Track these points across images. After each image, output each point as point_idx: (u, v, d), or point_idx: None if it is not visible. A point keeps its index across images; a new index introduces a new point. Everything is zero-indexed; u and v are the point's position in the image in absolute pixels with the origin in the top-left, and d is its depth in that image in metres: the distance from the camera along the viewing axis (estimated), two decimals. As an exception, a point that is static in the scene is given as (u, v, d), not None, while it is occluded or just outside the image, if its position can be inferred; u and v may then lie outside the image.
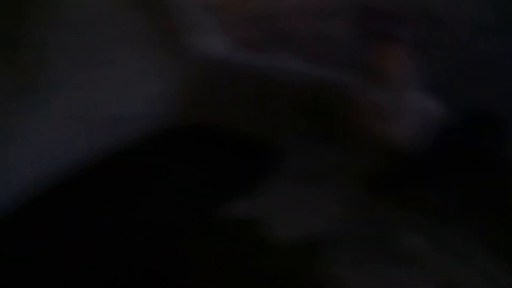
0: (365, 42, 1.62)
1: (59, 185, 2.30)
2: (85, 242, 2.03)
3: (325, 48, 2.41)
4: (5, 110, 2.49)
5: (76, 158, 2.53)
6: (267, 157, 2.54)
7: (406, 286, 1.50)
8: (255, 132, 2.61)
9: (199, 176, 2.57)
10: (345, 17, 2.26)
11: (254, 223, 2.07)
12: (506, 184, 1.58)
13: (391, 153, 1.63)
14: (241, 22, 3.05)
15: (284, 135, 2.45)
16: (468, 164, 1.63)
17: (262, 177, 2.48)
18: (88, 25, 2.66)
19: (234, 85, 2.73)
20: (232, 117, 2.71)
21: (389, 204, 1.80)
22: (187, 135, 2.78)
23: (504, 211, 1.65)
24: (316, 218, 1.95)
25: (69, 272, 1.78)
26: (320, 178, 2.12)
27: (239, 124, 2.68)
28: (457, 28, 2.71)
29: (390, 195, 1.73)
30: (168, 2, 2.86)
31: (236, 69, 2.74)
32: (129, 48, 2.82)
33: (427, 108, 1.81)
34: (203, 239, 2.11)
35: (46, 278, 1.75)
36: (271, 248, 1.85)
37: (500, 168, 1.55)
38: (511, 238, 1.60)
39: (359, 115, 1.65)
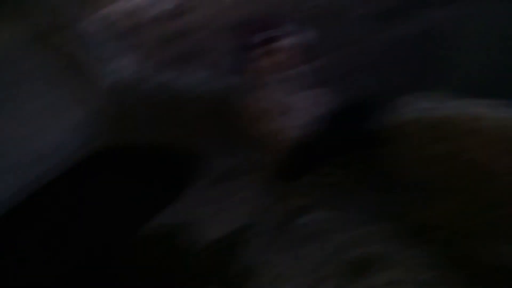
0: (246, 51, 1.84)
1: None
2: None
3: (222, 59, 2.63)
4: None
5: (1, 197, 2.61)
6: (186, 166, 2.74)
7: (313, 258, 1.74)
8: (172, 144, 2.81)
9: (127, 192, 2.73)
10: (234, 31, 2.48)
11: (180, 229, 2.25)
12: (378, 154, 1.85)
13: (286, 145, 1.83)
14: (151, 42, 3.24)
15: (197, 143, 2.65)
16: (353, 143, 1.88)
17: (184, 185, 2.68)
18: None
19: (147, 103, 2.91)
20: (149, 133, 2.88)
21: (293, 189, 2.04)
22: (111, 157, 2.92)
23: (385, 178, 1.92)
24: (235, 214, 2.15)
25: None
26: (233, 177, 2.33)
27: (157, 139, 2.86)
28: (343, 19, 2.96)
29: (294, 181, 1.93)
30: (73, 36, 3.00)
31: (147, 88, 2.92)
32: (41, 83, 2.93)
33: (316, 100, 2.05)
34: (134, 250, 2.27)
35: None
36: (198, 249, 2.04)
37: (373, 143, 1.80)
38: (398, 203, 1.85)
39: (251, 117, 1.85)
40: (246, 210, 2.19)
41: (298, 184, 2.06)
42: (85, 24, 4.67)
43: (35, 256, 2.46)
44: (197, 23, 2.77)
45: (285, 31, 2.05)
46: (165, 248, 2.23)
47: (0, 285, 2.03)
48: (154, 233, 2.24)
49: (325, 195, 1.96)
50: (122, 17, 2.90)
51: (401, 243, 1.71)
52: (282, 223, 2.03)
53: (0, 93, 2.93)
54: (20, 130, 2.98)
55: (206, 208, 2.36)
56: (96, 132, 3.05)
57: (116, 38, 3.29)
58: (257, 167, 2.26)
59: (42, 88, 3.00)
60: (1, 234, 2.41)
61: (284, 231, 2.01)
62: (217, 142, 2.36)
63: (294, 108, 2.06)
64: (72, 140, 2.97)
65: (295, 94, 2.12)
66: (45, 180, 2.91)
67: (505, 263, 1.31)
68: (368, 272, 1.61)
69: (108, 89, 3.14)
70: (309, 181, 2.06)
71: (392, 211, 1.85)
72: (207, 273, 2.02)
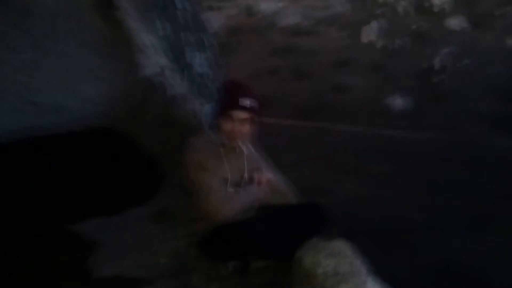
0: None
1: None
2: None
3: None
4: None
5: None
6: (158, 181, 2.82)
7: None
8: (155, 155, 2.89)
9: (106, 175, 2.88)
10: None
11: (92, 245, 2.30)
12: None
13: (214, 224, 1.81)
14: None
15: (168, 166, 2.71)
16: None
17: (151, 194, 2.75)
18: (47, 14, 3.00)
19: (161, 112, 3.02)
20: (145, 135, 3.00)
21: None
22: (103, 136, 3.09)
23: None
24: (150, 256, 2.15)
25: None
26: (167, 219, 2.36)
27: (147, 142, 2.97)
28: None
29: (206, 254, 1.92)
30: (128, 23, 3.18)
31: (170, 99, 3.02)
32: (84, 46, 3.17)
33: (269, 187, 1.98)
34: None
35: None
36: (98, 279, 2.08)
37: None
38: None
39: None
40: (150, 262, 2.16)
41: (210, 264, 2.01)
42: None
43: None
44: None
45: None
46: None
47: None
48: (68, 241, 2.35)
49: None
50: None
51: None
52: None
53: (50, 43, 3.17)
54: (51, 78, 3.23)
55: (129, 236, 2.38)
56: (107, 110, 3.23)
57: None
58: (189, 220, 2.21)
59: (83, 51, 3.22)
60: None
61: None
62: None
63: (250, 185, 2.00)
64: (82, 107, 3.19)
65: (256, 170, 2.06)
66: (47, 132, 3.13)
67: None
68: None
69: (144, 80, 3.28)
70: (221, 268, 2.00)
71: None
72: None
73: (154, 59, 3.43)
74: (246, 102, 1.86)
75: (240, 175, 1.94)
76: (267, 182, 1.97)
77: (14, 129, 3.00)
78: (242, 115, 1.86)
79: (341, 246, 1.47)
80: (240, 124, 1.87)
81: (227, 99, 1.88)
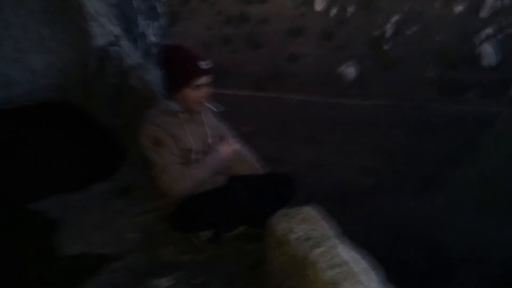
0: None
1: None
2: None
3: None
4: None
5: None
6: (118, 155, 2.74)
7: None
8: (114, 129, 2.81)
9: (59, 150, 2.76)
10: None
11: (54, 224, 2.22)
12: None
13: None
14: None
15: (128, 139, 2.65)
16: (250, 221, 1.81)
17: (110, 169, 2.67)
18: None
19: (117, 83, 2.92)
20: (103, 109, 2.90)
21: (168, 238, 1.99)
22: (58, 110, 2.96)
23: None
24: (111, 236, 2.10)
25: None
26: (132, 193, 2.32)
27: (105, 117, 2.88)
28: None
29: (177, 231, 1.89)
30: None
31: (127, 70, 2.91)
32: (32, 15, 2.98)
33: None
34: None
35: None
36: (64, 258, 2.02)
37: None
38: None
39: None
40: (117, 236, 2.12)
41: (177, 235, 2.01)
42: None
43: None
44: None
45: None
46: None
47: None
48: (31, 220, 2.27)
49: (186, 266, 1.92)
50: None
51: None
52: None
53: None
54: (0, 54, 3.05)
55: (91, 216, 2.32)
56: (63, 83, 3.09)
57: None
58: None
59: (35, 20, 3.04)
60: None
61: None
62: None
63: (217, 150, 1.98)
64: (33, 80, 3.04)
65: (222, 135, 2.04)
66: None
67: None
68: None
69: (98, 50, 3.14)
70: (188, 240, 2.00)
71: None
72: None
73: (107, 27, 3.29)
74: (206, 65, 1.81)
75: (203, 141, 1.92)
76: (233, 150, 1.95)
77: (-41, 105, 2.82)
78: (206, 79, 1.82)
79: (312, 212, 1.51)
80: (206, 89, 1.84)
81: (184, 66, 1.80)
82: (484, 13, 26.43)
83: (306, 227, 1.44)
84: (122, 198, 2.34)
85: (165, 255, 1.99)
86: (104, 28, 3.18)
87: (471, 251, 14.36)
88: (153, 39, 5.90)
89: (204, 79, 1.80)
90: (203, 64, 1.80)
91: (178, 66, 1.81)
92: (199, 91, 1.81)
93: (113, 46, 3.11)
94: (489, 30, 25.66)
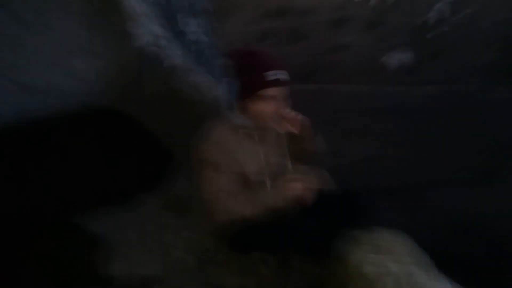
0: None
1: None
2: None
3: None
4: None
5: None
6: (164, 162, 2.58)
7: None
8: (161, 136, 2.64)
9: (105, 159, 2.64)
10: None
11: (100, 243, 2.09)
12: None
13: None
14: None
15: (180, 151, 2.47)
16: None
17: (157, 179, 2.52)
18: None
19: (161, 88, 2.74)
20: (144, 112, 2.73)
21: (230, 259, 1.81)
22: (99, 116, 2.82)
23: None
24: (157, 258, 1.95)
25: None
26: (178, 206, 2.14)
27: (148, 121, 2.71)
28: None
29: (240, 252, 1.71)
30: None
31: (171, 75, 2.72)
32: (69, 18, 2.85)
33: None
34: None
35: None
36: (104, 279, 1.89)
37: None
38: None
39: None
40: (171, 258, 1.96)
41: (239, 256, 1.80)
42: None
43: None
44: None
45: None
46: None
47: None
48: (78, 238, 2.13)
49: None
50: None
51: None
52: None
53: (32, 16, 2.88)
54: (37, 54, 2.95)
55: (134, 235, 2.16)
56: (103, 88, 2.95)
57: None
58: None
59: (73, 23, 2.91)
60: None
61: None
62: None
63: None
64: (79, 84, 2.91)
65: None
66: (36, 115, 2.89)
67: None
68: None
69: (138, 52, 2.99)
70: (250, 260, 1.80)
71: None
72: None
73: (147, 27, 3.12)
74: (284, 74, 1.55)
75: (282, 164, 1.66)
76: (305, 189, 1.63)
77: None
78: (279, 91, 1.56)
79: (391, 238, 1.25)
80: (283, 101, 1.58)
81: (253, 73, 1.54)
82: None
83: (384, 258, 1.18)
84: (168, 211, 2.16)
85: (215, 277, 1.79)
86: (144, 28, 3.01)
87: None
88: (193, 36, 5.75)
89: (275, 91, 1.54)
90: (277, 74, 1.53)
91: (247, 72, 1.56)
92: (270, 103, 1.54)
93: (154, 46, 2.94)
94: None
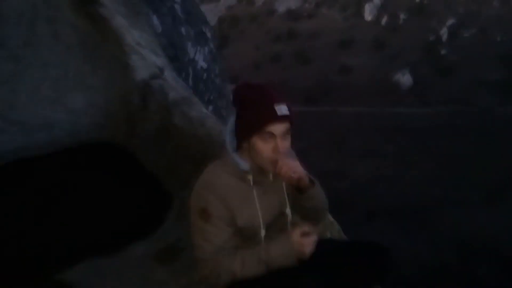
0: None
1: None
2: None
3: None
4: None
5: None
6: (162, 209, 2.42)
7: None
8: (159, 174, 2.51)
9: (107, 194, 2.51)
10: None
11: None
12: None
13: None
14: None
15: (174, 185, 2.32)
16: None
17: (157, 219, 2.38)
18: (24, 20, 2.62)
19: (158, 117, 2.62)
20: (146, 147, 2.61)
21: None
22: (99, 152, 2.71)
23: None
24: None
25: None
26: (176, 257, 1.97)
27: (148, 157, 2.59)
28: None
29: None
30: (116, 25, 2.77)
31: (172, 108, 2.60)
32: (69, 52, 2.77)
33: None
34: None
35: None
36: None
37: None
38: None
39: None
40: None
41: None
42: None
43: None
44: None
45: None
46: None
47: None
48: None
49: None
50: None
51: None
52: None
53: (31, 52, 2.82)
54: (37, 91, 2.88)
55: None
56: (106, 122, 2.85)
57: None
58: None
59: (73, 57, 2.84)
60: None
61: None
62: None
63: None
64: (79, 120, 2.82)
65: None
66: (36, 152, 2.79)
67: None
68: None
69: (141, 85, 2.90)
70: None
71: None
72: None
73: (150, 59, 3.04)
74: (284, 109, 1.41)
75: (279, 211, 1.50)
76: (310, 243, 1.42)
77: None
78: (283, 127, 1.41)
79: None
80: (283, 139, 1.43)
81: (253, 108, 1.40)
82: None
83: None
84: (165, 264, 1.98)
85: None
86: (146, 60, 2.92)
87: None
88: (203, 64, 5.66)
89: (277, 128, 1.39)
90: (280, 108, 1.38)
91: (246, 108, 1.42)
92: (271, 142, 1.39)
93: (157, 79, 2.85)
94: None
